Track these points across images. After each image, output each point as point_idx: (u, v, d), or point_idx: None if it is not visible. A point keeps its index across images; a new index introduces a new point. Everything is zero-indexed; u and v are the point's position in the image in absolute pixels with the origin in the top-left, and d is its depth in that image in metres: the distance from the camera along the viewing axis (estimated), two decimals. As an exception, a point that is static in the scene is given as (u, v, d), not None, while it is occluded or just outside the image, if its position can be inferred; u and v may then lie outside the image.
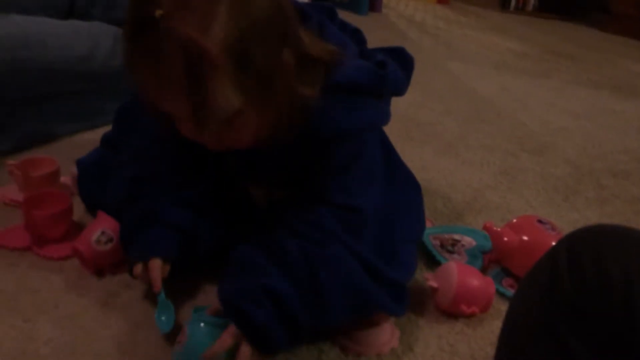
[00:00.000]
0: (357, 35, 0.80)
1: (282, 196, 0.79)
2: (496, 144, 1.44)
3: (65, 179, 0.96)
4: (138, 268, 0.71)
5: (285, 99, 0.63)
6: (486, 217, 1.07)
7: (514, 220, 0.91)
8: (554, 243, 0.84)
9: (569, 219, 1.12)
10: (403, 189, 0.83)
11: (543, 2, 3.24)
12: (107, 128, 1.14)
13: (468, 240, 0.94)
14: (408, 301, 0.72)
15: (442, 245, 0.92)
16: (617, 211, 1.17)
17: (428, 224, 1.01)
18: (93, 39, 1.12)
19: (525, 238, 0.87)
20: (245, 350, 0.61)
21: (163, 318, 0.71)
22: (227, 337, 0.61)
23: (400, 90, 0.76)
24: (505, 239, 0.87)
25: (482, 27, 2.88)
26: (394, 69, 0.73)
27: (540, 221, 0.89)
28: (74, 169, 0.94)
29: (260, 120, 0.63)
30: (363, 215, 0.71)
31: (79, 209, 0.92)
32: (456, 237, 0.94)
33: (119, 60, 1.16)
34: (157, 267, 0.71)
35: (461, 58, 2.27)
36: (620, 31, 2.96)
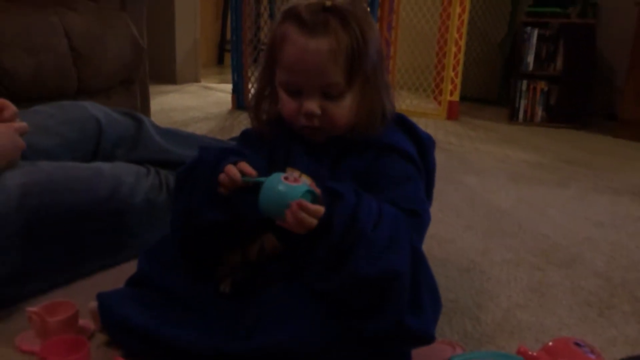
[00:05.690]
0: None
1: None
2: (521, 258, 1.41)
3: (84, 321, 0.95)
4: (231, 168, 0.83)
5: (376, 97, 0.91)
6: (519, 339, 1.02)
7: (550, 344, 0.87)
8: (594, 369, 0.80)
9: (607, 336, 1.06)
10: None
11: (550, 113, 3.32)
12: (129, 265, 1.16)
13: (503, 367, 0.89)
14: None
15: (475, 375, 0.87)
16: (657, 325, 1.11)
17: (458, 350, 0.96)
18: (115, 178, 1.16)
19: (563, 363, 0.82)
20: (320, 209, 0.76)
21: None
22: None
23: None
24: (543, 364, 0.83)
25: (493, 139, 2.93)
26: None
27: (577, 343, 0.85)
28: (94, 304, 0.93)
29: (355, 105, 0.90)
30: (423, 219, 0.89)
31: (97, 352, 0.90)
32: (490, 364, 0.89)
33: (140, 197, 1.19)
34: (246, 164, 0.84)
35: (475, 171, 2.29)
36: (633, 136, 2.97)
